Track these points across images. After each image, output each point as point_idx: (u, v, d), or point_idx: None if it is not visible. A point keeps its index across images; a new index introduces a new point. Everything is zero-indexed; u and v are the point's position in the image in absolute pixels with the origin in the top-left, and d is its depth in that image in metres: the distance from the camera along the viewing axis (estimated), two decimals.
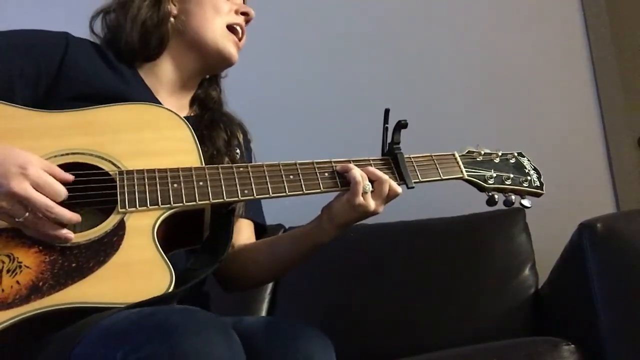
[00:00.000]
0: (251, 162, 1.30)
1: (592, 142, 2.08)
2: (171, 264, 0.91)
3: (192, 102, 1.29)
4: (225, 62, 1.25)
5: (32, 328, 0.86)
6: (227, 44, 1.22)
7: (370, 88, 2.20)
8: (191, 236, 1.04)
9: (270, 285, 1.91)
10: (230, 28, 1.24)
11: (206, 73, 1.29)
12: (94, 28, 1.23)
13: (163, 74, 1.23)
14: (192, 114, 1.27)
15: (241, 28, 1.25)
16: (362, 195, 1.03)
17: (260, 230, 1.30)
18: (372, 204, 1.04)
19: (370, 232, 1.82)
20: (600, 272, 1.34)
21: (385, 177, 1.05)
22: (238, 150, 1.23)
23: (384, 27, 2.26)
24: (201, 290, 1.17)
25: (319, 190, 1.05)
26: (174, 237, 1.00)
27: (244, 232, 1.25)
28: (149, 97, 1.18)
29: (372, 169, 1.06)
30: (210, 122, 1.23)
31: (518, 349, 1.35)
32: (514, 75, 2.16)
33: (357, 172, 1.04)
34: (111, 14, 1.22)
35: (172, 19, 1.21)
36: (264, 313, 1.88)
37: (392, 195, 1.06)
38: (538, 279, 1.73)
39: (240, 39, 1.26)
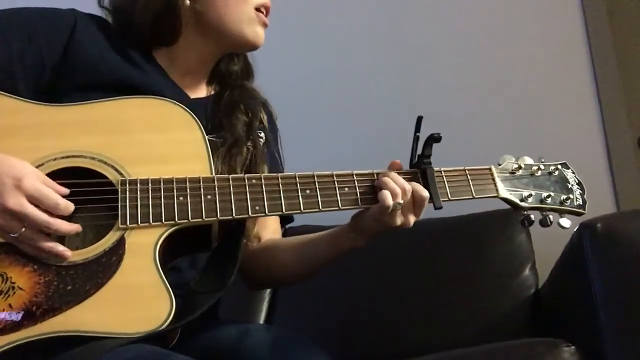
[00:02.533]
0: (277, 146, 1.23)
1: (592, 142, 2.08)
2: (172, 273, 0.89)
3: (211, 79, 1.20)
4: (251, 47, 1.15)
5: (24, 353, 0.81)
6: (255, 28, 1.12)
7: (373, 88, 2.19)
8: (197, 246, 0.98)
9: None
10: (257, 9, 1.13)
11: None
12: (103, 4, 1.14)
13: (177, 60, 1.13)
14: (211, 93, 1.18)
15: (266, 7, 1.14)
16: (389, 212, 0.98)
17: (285, 219, 1.24)
18: (398, 220, 0.99)
19: None
20: (600, 272, 1.34)
21: (412, 191, 0.99)
22: (262, 134, 1.16)
23: (387, 27, 2.25)
24: None
25: (336, 208, 0.98)
26: (179, 246, 0.94)
27: (270, 226, 1.19)
28: (162, 83, 1.09)
29: (403, 184, 0.99)
30: (230, 104, 1.14)
31: (518, 349, 1.35)
32: (513, 76, 2.15)
33: (388, 196, 0.96)
34: None
35: (187, 2, 1.10)
36: (263, 313, 1.87)
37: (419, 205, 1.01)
38: (538, 279, 1.73)
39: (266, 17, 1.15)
